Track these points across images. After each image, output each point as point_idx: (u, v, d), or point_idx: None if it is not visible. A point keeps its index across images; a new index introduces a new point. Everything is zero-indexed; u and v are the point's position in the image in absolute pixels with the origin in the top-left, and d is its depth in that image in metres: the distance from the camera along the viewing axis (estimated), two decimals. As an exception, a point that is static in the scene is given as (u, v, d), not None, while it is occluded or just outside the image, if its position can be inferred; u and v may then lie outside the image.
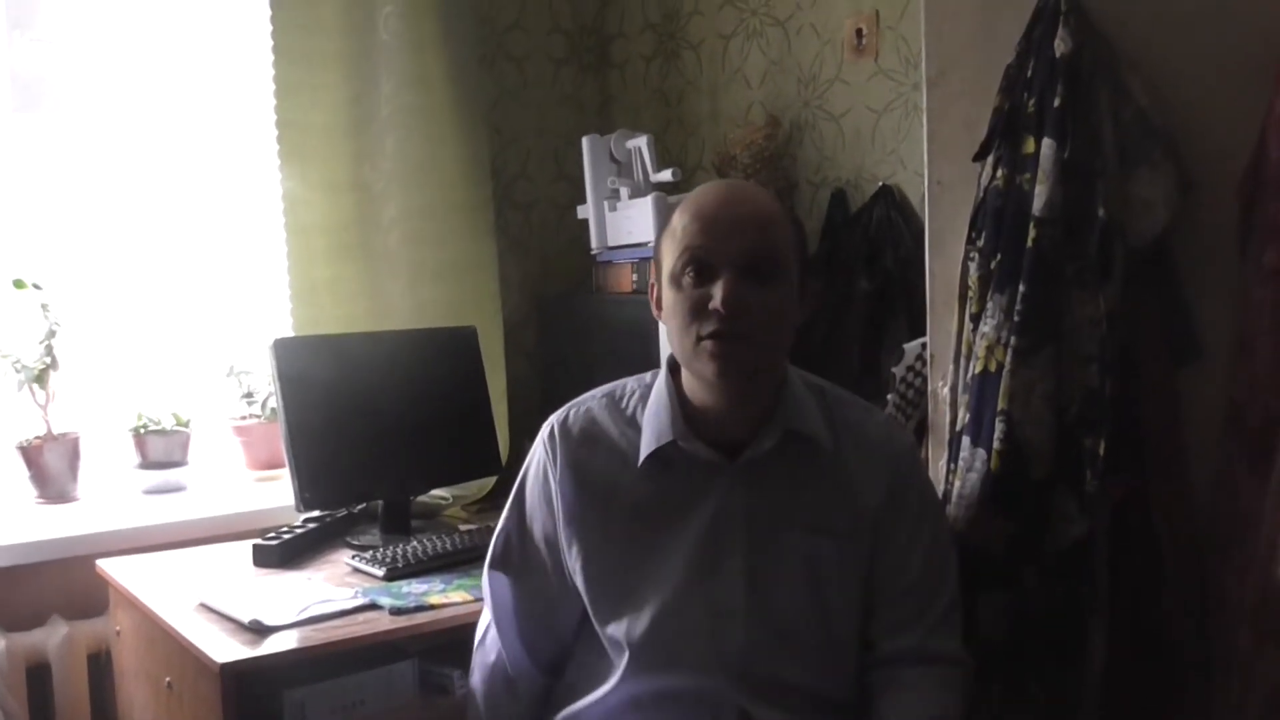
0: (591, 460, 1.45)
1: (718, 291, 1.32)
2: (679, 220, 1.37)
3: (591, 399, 1.51)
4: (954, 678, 1.42)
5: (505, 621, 1.53)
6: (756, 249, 1.33)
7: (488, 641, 1.56)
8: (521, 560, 1.52)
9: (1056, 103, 1.53)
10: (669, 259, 1.38)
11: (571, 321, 2.75)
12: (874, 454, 1.44)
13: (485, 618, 1.57)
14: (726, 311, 1.31)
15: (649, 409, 1.44)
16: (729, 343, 1.33)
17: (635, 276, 2.52)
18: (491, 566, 1.54)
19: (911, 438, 1.51)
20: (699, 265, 1.34)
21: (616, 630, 1.42)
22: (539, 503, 1.49)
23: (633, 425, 1.45)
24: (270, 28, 2.44)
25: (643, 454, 1.41)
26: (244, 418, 2.60)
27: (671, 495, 1.42)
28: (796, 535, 1.40)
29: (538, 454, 1.50)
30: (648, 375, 1.50)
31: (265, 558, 2.07)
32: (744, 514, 1.40)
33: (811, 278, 1.43)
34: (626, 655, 1.42)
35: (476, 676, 1.58)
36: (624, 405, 1.48)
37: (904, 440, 1.50)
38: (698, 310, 1.34)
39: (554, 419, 1.50)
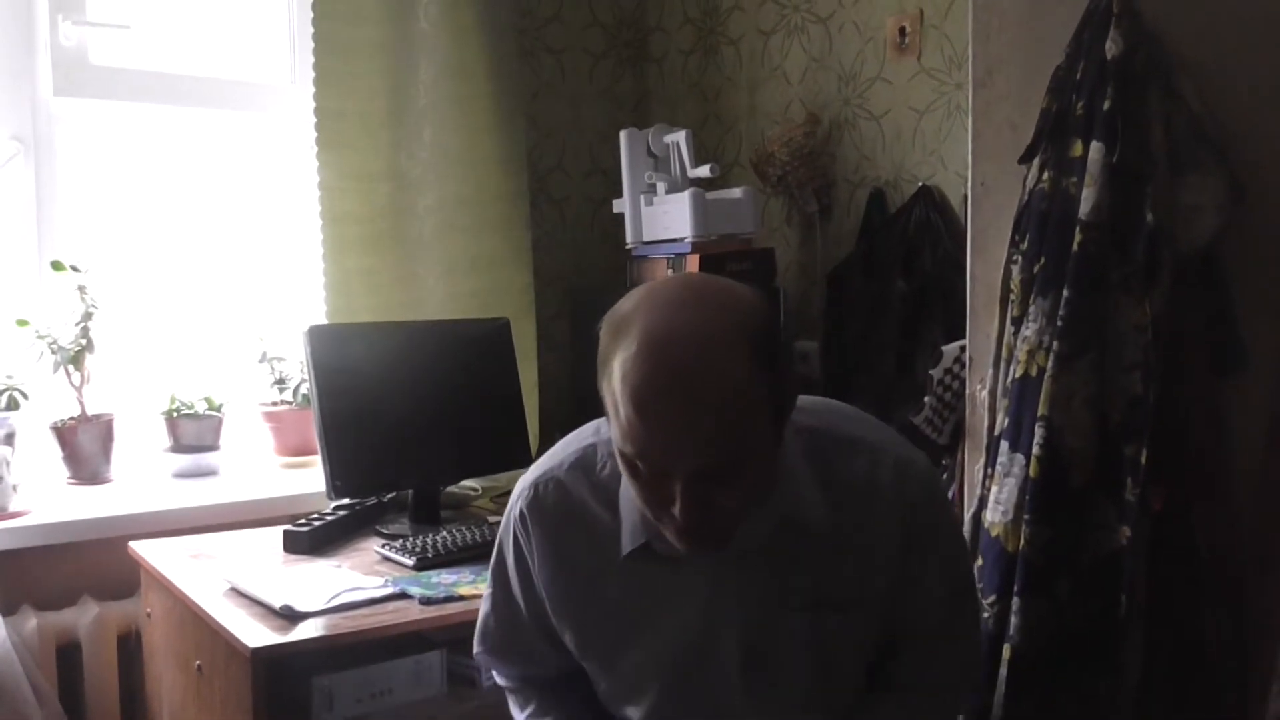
0: (571, 545, 1.31)
1: (676, 495, 1.11)
2: (615, 392, 1.10)
3: (560, 469, 1.32)
4: (947, 700, 1.38)
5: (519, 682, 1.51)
6: (710, 463, 1.09)
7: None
8: (509, 641, 1.46)
9: (1106, 105, 1.51)
10: (613, 427, 1.14)
11: (605, 315, 2.74)
12: (884, 510, 1.26)
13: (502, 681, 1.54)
14: (686, 521, 1.12)
15: (624, 489, 1.25)
16: (698, 542, 1.16)
17: (671, 272, 2.51)
18: (485, 652, 1.49)
19: (928, 474, 1.34)
20: (649, 466, 1.12)
21: (618, 710, 1.38)
22: (519, 583, 1.39)
23: (608, 505, 1.28)
24: (311, 15, 2.44)
25: (623, 550, 1.26)
26: (275, 404, 2.61)
27: (658, 586, 1.28)
28: (797, 616, 1.27)
29: (512, 535, 1.36)
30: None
31: (296, 544, 2.08)
32: (736, 600, 1.27)
33: (792, 369, 1.21)
34: None
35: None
36: (598, 476, 1.30)
37: (918, 483, 1.28)
38: (657, 505, 1.15)
39: (523, 499, 1.33)
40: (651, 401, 1.07)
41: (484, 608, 1.48)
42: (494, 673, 1.56)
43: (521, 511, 1.33)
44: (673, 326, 1.08)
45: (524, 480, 1.36)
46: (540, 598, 1.36)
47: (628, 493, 1.24)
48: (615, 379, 1.10)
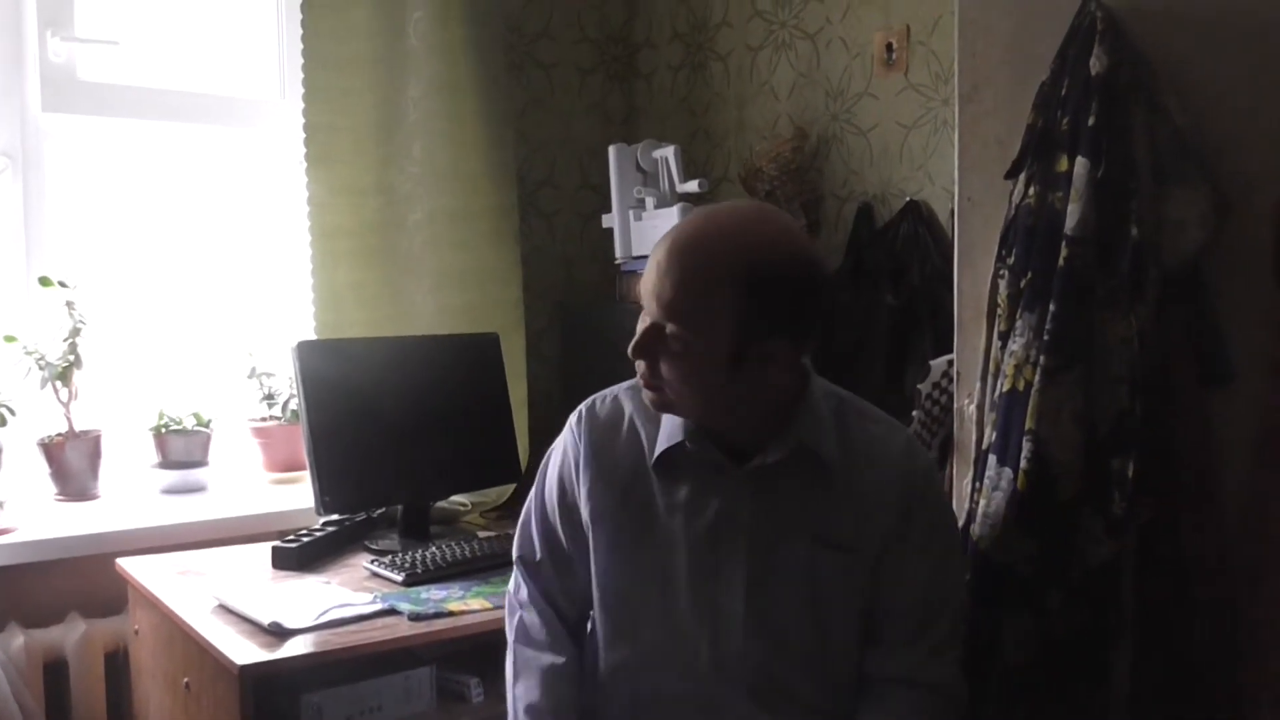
0: (615, 450, 1.47)
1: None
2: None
3: (620, 388, 1.53)
4: (942, 707, 1.40)
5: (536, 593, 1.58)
6: (665, 318, 1.32)
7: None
8: (544, 543, 1.56)
9: (1091, 121, 1.52)
10: None
11: (594, 330, 2.74)
12: (889, 470, 1.41)
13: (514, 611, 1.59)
14: (630, 351, 1.36)
15: None
16: (647, 385, 1.39)
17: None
18: (520, 559, 1.59)
19: (932, 457, 1.49)
20: (643, 298, 1.36)
21: (618, 629, 1.45)
22: (559, 487, 1.52)
23: (654, 420, 1.46)
24: (300, 31, 2.45)
25: (655, 452, 1.43)
26: (264, 419, 2.60)
27: (680, 494, 1.42)
28: (800, 545, 1.39)
29: (565, 439, 1.53)
30: None
31: (284, 560, 2.07)
32: (748, 520, 1.40)
33: (780, 339, 1.32)
34: (627, 654, 1.44)
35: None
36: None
37: (923, 459, 1.47)
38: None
39: (583, 405, 1.53)
40: (662, 249, 1.32)
41: (524, 514, 1.60)
42: (512, 596, 1.59)
43: (579, 415, 1.52)
44: (715, 217, 1.34)
45: (586, 400, 1.55)
46: (578, 494, 1.49)
47: None
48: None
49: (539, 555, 1.56)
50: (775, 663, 1.39)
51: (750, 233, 1.32)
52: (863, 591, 1.40)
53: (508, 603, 1.60)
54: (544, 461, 1.58)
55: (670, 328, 1.31)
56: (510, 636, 1.56)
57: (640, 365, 1.37)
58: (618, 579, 1.46)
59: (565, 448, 1.53)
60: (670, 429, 1.42)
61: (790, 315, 1.31)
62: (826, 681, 1.41)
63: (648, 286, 1.33)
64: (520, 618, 1.56)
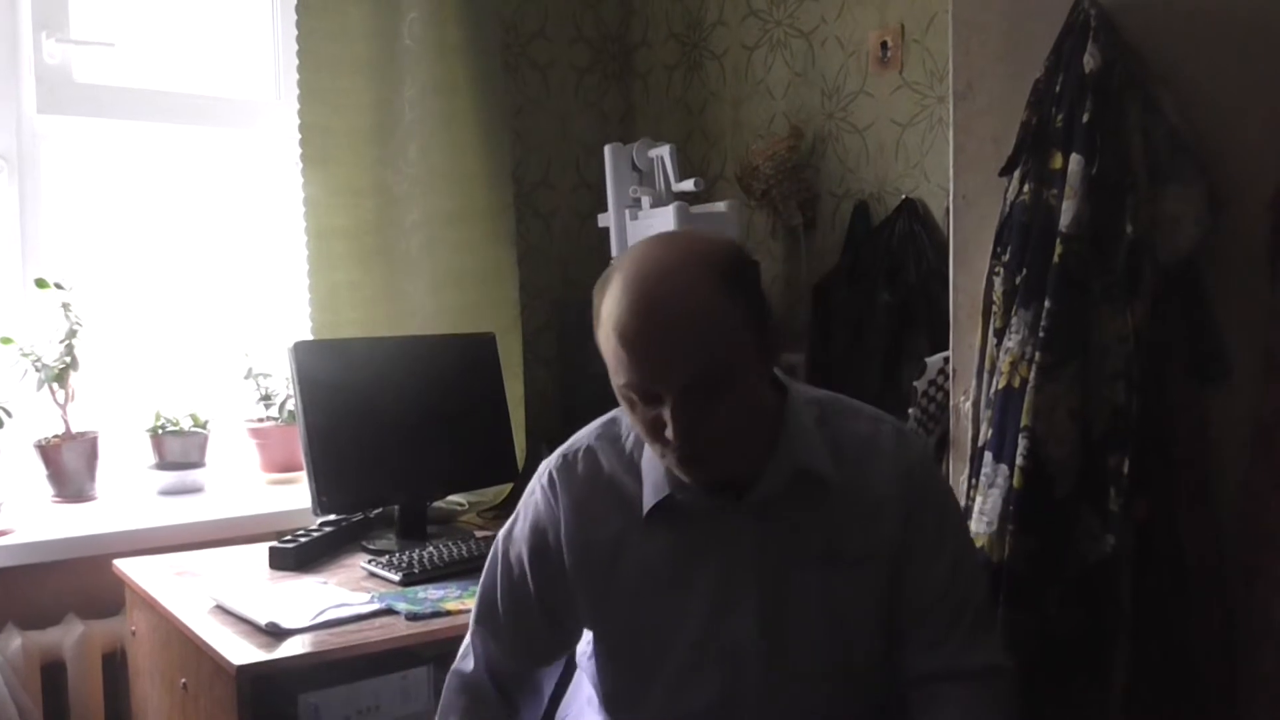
0: (595, 508, 1.38)
1: (668, 418, 1.22)
2: (606, 334, 1.24)
3: (589, 438, 1.43)
4: (996, 689, 1.36)
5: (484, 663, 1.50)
6: (695, 372, 1.20)
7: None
8: (504, 614, 1.46)
9: (1085, 118, 1.52)
10: (609, 368, 1.27)
11: (590, 329, 2.73)
12: (885, 468, 1.35)
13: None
14: (680, 441, 1.23)
15: (647, 453, 1.35)
16: (696, 464, 1.27)
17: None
18: (478, 621, 1.50)
19: (926, 445, 1.45)
20: (642, 393, 1.24)
21: (631, 680, 1.40)
22: (531, 555, 1.42)
23: (632, 471, 1.37)
24: (296, 32, 2.45)
25: (645, 507, 1.35)
26: (261, 420, 2.60)
27: (679, 544, 1.35)
28: (809, 568, 1.33)
29: (535, 501, 1.43)
30: None
31: (281, 560, 2.07)
32: (754, 553, 1.33)
33: (771, 323, 1.27)
34: (644, 701, 1.39)
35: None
36: (623, 446, 1.40)
37: (917, 449, 1.40)
38: (655, 432, 1.25)
39: (552, 465, 1.42)
40: (631, 329, 1.20)
41: (486, 581, 1.49)
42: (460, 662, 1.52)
43: (551, 476, 1.41)
44: (643, 266, 1.24)
45: (551, 455, 1.44)
46: (556, 565, 1.40)
47: (650, 455, 1.34)
48: (603, 320, 1.25)
49: (503, 620, 1.46)
50: (796, 694, 1.35)
51: (695, 245, 1.26)
52: (882, 599, 1.35)
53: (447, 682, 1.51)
54: (509, 526, 1.47)
55: (701, 381, 1.20)
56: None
57: (677, 450, 1.24)
58: (623, 637, 1.39)
59: (539, 514, 1.42)
60: (655, 481, 1.34)
61: (756, 280, 1.27)
62: (851, 700, 1.37)
63: (643, 371, 1.21)
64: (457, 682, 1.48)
